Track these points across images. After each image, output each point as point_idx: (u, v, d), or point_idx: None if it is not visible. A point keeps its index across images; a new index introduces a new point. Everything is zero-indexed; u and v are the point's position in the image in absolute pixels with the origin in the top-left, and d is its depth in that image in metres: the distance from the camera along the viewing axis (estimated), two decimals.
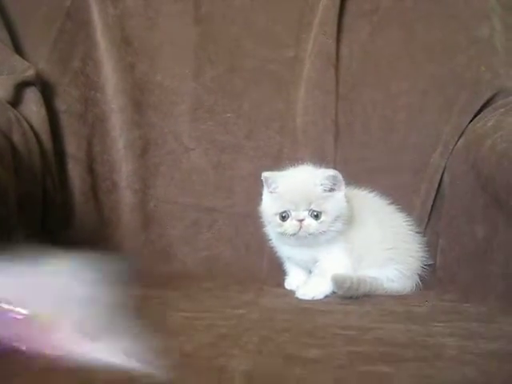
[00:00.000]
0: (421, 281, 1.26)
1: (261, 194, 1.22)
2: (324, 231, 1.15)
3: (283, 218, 1.16)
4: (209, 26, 1.51)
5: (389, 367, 0.70)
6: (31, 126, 1.30)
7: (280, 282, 1.28)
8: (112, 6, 1.46)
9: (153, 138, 1.47)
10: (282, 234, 1.16)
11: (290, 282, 1.27)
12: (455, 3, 1.46)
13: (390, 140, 1.46)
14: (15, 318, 0.70)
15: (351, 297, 1.13)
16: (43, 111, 1.34)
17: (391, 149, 1.45)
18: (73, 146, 1.42)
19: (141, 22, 1.49)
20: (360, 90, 1.50)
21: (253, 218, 1.28)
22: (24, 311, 0.70)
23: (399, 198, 1.32)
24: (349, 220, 1.18)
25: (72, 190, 1.41)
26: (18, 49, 1.41)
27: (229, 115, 1.49)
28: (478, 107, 1.37)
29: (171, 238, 1.45)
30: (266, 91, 1.50)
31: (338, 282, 1.13)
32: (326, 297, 1.16)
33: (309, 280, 1.20)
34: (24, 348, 0.70)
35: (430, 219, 1.39)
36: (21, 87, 1.32)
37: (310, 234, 1.15)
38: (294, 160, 1.27)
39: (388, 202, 1.30)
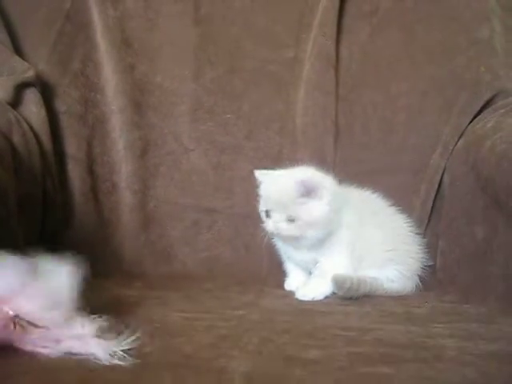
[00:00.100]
0: (421, 282, 1.26)
1: None
2: (298, 236, 1.15)
3: (267, 215, 1.18)
4: (208, 26, 1.52)
5: (389, 368, 0.70)
6: (31, 127, 1.30)
7: (280, 283, 1.28)
8: (112, 8, 1.46)
9: (153, 139, 1.47)
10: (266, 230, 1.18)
11: (290, 283, 1.27)
12: (455, 5, 1.46)
13: (389, 141, 1.46)
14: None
15: (351, 297, 1.13)
16: (43, 112, 1.35)
17: (391, 150, 1.45)
18: (73, 147, 1.42)
19: (141, 23, 1.49)
20: (360, 91, 1.50)
21: (253, 219, 1.28)
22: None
23: (399, 198, 1.32)
24: (332, 225, 1.17)
25: (72, 190, 1.41)
26: (17, 50, 1.41)
27: (229, 116, 1.49)
28: (478, 108, 1.37)
29: (171, 239, 1.45)
30: (265, 92, 1.50)
31: (338, 282, 1.13)
32: (326, 298, 1.16)
33: (309, 281, 1.20)
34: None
35: (430, 220, 1.38)
36: (21, 88, 1.32)
37: (286, 237, 1.16)
38: (293, 161, 1.26)
39: (389, 203, 1.30)
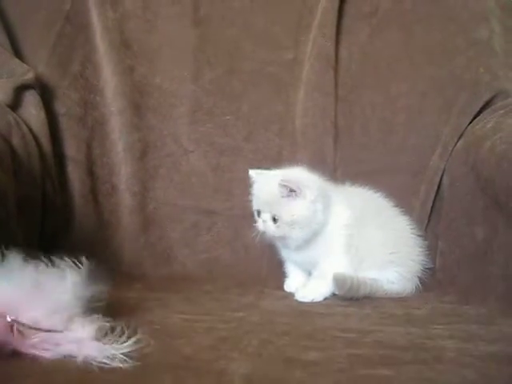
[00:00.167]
0: (420, 283, 1.25)
1: None
2: (282, 236, 1.16)
3: (258, 215, 1.19)
4: (207, 28, 1.52)
5: (388, 370, 0.70)
6: (30, 129, 1.30)
7: (280, 285, 1.28)
8: (111, 10, 1.46)
9: (152, 141, 1.47)
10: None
11: (290, 285, 1.27)
12: (454, 5, 1.46)
13: (389, 142, 1.46)
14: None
15: (351, 298, 1.13)
16: (42, 114, 1.35)
17: (390, 150, 1.45)
18: (72, 149, 1.42)
19: (140, 24, 1.49)
20: (359, 92, 1.50)
21: (252, 221, 1.28)
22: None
23: (399, 199, 1.32)
24: (317, 225, 1.17)
25: (71, 192, 1.41)
26: (17, 52, 1.41)
27: (228, 117, 1.49)
28: (477, 109, 1.37)
29: (171, 241, 1.45)
30: (265, 93, 1.50)
31: (338, 282, 1.13)
32: (326, 299, 1.16)
33: (308, 282, 1.21)
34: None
35: (430, 221, 1.38)
36: (20, 90, 1.32)
37: (274, 236, 1.17)
38: (293, 162, 1.26)
39: (392, 203, 1.30)
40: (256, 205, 1.20)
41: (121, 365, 0.69)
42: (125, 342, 0.73)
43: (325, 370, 0.71)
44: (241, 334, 0.87)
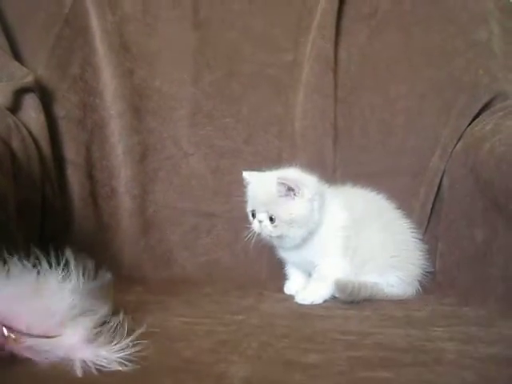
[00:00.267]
0: (420, 285, 1.25)
1: None
2: (279, 235, 1.16)
3: (253, 216, 1.19)
4: (207, 31, 1.52)
5: (388, 372, 0.70)
6: (30, 132, 1.30)
7: (280, 287, 1.28)
8: (110, 13, 1.46)
9: (152, 144, 1.47)
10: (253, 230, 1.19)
11: (290, 287, 1.27)
12: (453, 7, 1.46)
13: (388, 143, 1.46)
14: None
15: (352, 301, 1.13)
16: (42, 117, 1.34)
17: (390, 152, 1.45)
18: (72, 152, 1.42)
19: (139, 27, 1.49)
20: (358, 94, 1.50)
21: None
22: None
23: (398, 201, 1.32)
24: (314, 224, 1.17)
25: (71, 195, 1.41)
26: (16, 55, 1.41)
27: (227, 120, 1.49)
28: (477, 111, 1.37)
29: (170, 243, 1.45)
30: (264, 95, 1.50)
31: (340, 286, 1.13)
32: (325, 301, 1.16)
33: (308, 285, 1.21)
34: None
35: (430, 223, 1.38)
36: (20, 93, 1.32)
37: (270, 236, 1.17)
38: (292, 164, 1.26)
39: (393, 206, 1.31)
40: (251, 205, 1.20)
41: (120, 368, 0.69)
42: (124, 345, 0.73)
43: (325, 373, 0.71)
44: (240, 336, 0.87)
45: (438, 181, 1.38)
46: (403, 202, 1.34)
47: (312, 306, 1.13)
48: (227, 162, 1.47)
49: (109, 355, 0.71)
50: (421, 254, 1.28)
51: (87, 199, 1.42)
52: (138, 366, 0.70)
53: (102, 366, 0.69)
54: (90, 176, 1.44)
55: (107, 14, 1.46)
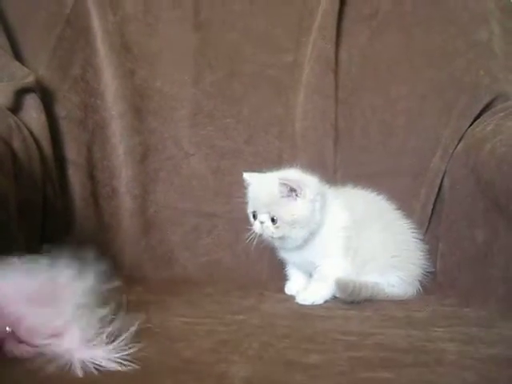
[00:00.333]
0: (421, 285, 1.25)
1: None
2: (281, 236, 1.16)
3: (254, 217, 1.19)
4: (208, 31, 1.52)
5: (389, 373, 0.70)
6: (31, 133, 1.30)
7: (280, 287, 1.28)
8: (112, 13, 1.46)
9: (153, 144, 1.48)
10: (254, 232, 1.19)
11: (290, 287, 1.27)
12: (454, 7, 1.46)
13: (389, 144, 1.46)
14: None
15: (352, 301, 1.13)
16: (43, 117, 1.34)
17: (391, 153, 1.45)
18: (73, 152, 1.42)
19: (140, 28, 1.49)
20: (359, 95, 1.50)
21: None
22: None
23: (399, 202, 1.32)
24: (316, 224, 1.17)
25: (72, 196, 1.41)
26: (17, 55, 1.41)
27: (228, 120, 1.49)
28: (477, 111, 1.37)
29: (171, 244, 1.45)
30: (265, 96, 1.50)
31: (340, 286, 1.13)
32: (326, 302, 1.16)
33: (309, 285, 1.20)
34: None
35: (430, 223, 1.38)
36: (21, 94, 1.32)
37: (272, 237, 1.17)
38: (293, 165, 1.26)
39: (394, 206, 1.30)
40: (252, 207, 1.20)
41: (121, 368, 0.69)
42: (125, 345, 0.73)
43: (325, 373, 0.71)
44: (241, 336, 0.87)
45: (438, 181, 1.38)
46: (404, 202, 1.34)
47: (313, 307, 1.14)
48: (228, 163, 1.48)
49: (109, 355, 0.71)
50: (421, 254, 1.28)
51: (88, 199, 1.42)
52: (139, 366, 0.70)
53: (102, 366, 0.69)
54: (91, 176, 1.44)
55: (108, 14, 1.47)
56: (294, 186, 1.13)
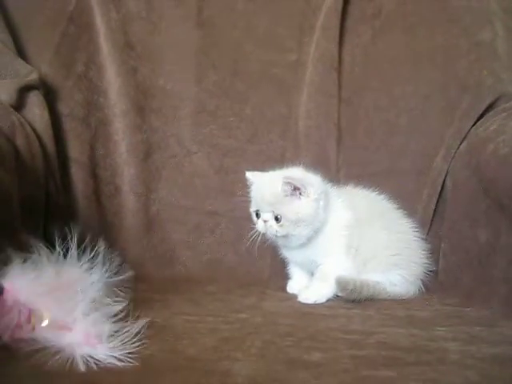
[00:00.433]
0: (423, 285, 1.26)
1: None
2: (285, 234, 1.16)
3: (257, 216, 1.19)
4: (211, 30, 1.52)
5: (391, 371, 0.70)
6: (34, 130, 1.30)
7: (283, 286, 1.28)
8: (115, 11, 1.47)
9: (155, 142, 1.48)
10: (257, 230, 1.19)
11: (292, 286, 1.27)
12: (457, 8, 1.46)
13: (392, 144, 1.46)
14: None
15: (354, 300, 1.13)
16: (46, 115, 1.34)
17: (393, 153, 1.45)
18: (76, 150, 1.42)
19: (143, 26, 1.50)
20: (362, 94, 1.50)
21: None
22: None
23: (401, 201, 1.31)
24: (319, 222, 1.17)
25: (75, 193, 1.41)
26: (21, 53, 1.41)
27: (231, 119, 1.49)
28: (481, 111, 1.36)
29: (174, 242, 1.45)
30: (268, 95, 1.51)
31: (341, 284, 1.13)
32: (328, 300, 1.16)
33: (311, 284, 1.20)
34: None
35: (433, 223, 1.38)
36: (24, 91, 1.32)
37: (276, 236, 1.17)
38: (296, 164, 1.26)
39: (396, 206, 1.30)
40: (255, 205, 1.20)
41: (124, 365, 0.69)
42: (128, 342, 0.74)
43: (328, 371, 0.71)
44: (244, 334, 0.87)
45: (441, 181, 1.38)
46: (406, 202, 1.34)
47: (315, 305, 1.13)
48: (231, 161, 1.48)
49: (112, 352, 0.71)
50: (423, 252, 1.28)
51: (91, 197, 1.42)
52: (142, 364, 0.70)
53: (105, 363, 0.69)
54: (94, 174, 1.44)
55: (111, 11, 1.47)
56: (298, 185, 1.13)
